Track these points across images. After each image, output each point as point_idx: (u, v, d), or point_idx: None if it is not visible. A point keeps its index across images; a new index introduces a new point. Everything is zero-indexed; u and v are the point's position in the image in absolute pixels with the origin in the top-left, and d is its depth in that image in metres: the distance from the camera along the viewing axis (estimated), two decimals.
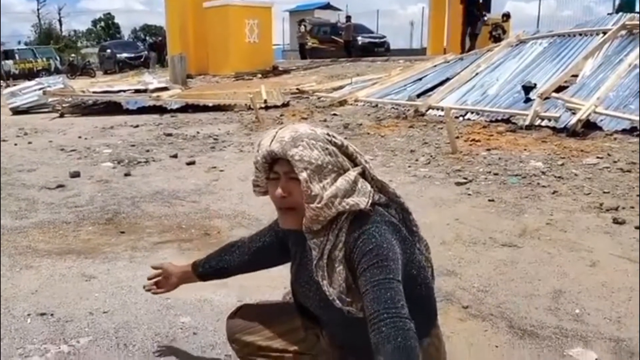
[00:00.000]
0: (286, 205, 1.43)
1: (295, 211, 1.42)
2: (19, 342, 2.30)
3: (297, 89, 11.56)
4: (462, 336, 2.38)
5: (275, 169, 1.44)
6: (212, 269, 1.92)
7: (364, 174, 1.45)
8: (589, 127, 6.60)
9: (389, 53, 22.26)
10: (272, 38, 18.76)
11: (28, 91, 10.79)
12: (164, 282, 2.00)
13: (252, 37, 16.75)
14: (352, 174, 1.41)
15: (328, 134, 1.42)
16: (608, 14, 9.49)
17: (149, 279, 2.02)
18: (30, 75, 21.57)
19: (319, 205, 1.36)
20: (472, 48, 13.03)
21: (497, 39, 14.64)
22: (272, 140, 1.42)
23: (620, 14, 9.10)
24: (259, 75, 15.16)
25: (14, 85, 12.90)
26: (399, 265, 1.33)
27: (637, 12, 9.18)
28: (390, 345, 1.22)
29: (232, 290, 2.76)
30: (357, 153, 1.46)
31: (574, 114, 6.72)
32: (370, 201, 1.41)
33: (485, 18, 14.82)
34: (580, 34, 8.89)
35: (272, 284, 2.67)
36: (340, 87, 11.67)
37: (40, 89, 10.63)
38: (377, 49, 22.77)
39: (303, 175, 1.36)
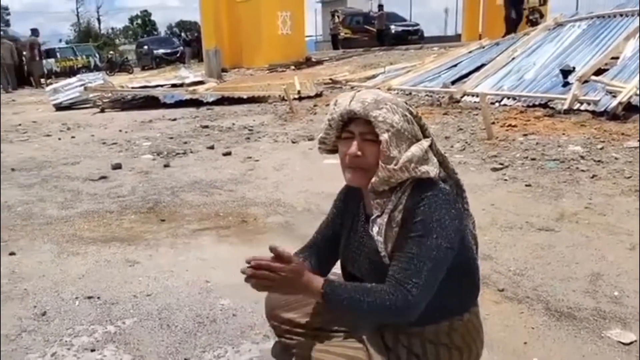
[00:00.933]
0: (358, 164, 1.48)
1: (363, 171, 1.48)
2: (68, 323, 2.43)
3: (330, 79, 11.57)
4: (497, 318, 2.39)
5: (349, 129, 1.49)
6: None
7: (431, 146, 1.51)
8: (630, 110, 6.38)
9: (423, 41, 21.96)
10: (304, 29, 18.78)
11: (70, 88, 11.15)
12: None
13: (284, 29, 16.83)
14: (425, 143, 1.48)
15: (406, 102, 1.50)
16: None
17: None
18: (71, 72, 22.17)
19: (396, 167, 1.42)
20: (512, 31, 12.74)
21: (534, 23, 14.27)
22: (352, 100, 1.48)
23: None
24: (292, 67, 15.23)
25: (57, 82, 13.31)
26: (442, 241, 1.39)
27: None
28: (381, 289, 1.38)
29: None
30: (427, 126, 1.53)
31: (614, 97, 6.52)
32: (438, 171, 1.48)
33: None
34: (621, 15, 8.58)
35: None
36: (374, 77, 11.62)
37: (81, 85, 10.96)
38: (411, 37, 22.50)
39: (385, 137, 1.42)
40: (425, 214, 1.39)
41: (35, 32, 19.25)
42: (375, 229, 1.48)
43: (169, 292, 2.73)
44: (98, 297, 2.67)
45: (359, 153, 1.47)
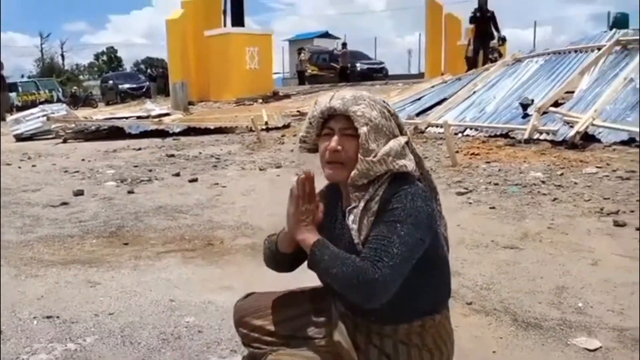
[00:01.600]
0: (337, 159, 1.51)
1: (342, 166, 1.51)
2: (25, 341, 2.32)
3: (298, 111, 11.69)
4: (466, 329, 2.39)
5: (329, 125, 1.53)
6: None
7: (408, 143, 1.55)
8: (587, 139, 6.65)
9: (388, 78, 22.54)
10: (272, 64, 19.06)
11: (32, 118, 10.93)
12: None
13: (252, 63, 17.01)
14: (402, 139, 1.52)
15: (384, 101, 1.54)
16: (603, 32, 9.64)
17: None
18: (33, 106, 21.77)
19: (374, 159, 1.45)
20: (475, 66, 13.21)
21: (493, 62, 14.83)
22: (332, 99, 1.53)
23: (614, 30, 9.26)
24: (260, 101, 15.34)
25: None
26: (414, 230, 1.40)
27: (630, 29, 9.32)
28: (356, 262, 1.37)
29: (236, 293, 2.77)
30: (403, 125, 1.57)
31: (571, 127, 6.78)
32: (414, 167, 1.52)
33: (501, 35, 14.94)
34: (576, 51, 9.02)
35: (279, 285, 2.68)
36: None
37: (43, 115, 10.76)
38: (376, 75, 23.11)
39: (363, 130, 1.46)
40: (401, 202, 1.41)
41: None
42: (350, 218, 1.49)
43: (132, 310, 2.64)
44: (57, 317, 2.56)
45: (339, 147, 1.50)
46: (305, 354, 1.64)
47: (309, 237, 1.47)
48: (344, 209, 1.61)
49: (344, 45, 24.05)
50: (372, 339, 1.61)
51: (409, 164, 1.50)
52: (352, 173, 1.48)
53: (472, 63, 14.62)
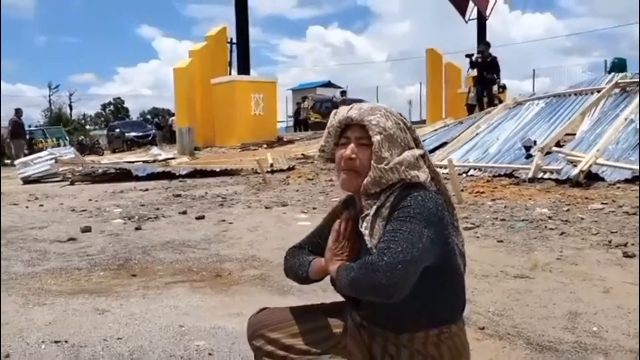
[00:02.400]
0: (351, 167, 1.55)
1: (357, 174, 1.54)
2: None
3: (302, 154, 11.79)
4: (480, 353, 2.35)
5: (346, 135, 1.58)
6: None
7: (424, 157, 1.58)
8: (591, 178, 6.69)
9: None
10: (276, 110, 19.33)
11: (40, 161, 11.05)
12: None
13: (257, 109, 17.28)
14: (417, 151, 1.56)
15: (400, 114, 1.59)
16: (602, 76, 9.86)
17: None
18: None
19: (386, 167, 1.49)
20: (480, 109, 13.34)
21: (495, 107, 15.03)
22: (350, 109, 1.58)
23: (613, 74, 9.46)
24: (265, 146, 15.50)
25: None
26: (425, 229, 1.41)
27: (629, 73, 9.53)
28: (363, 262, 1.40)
29: (247, 319, 2.75)
30: (420, 139, 1.61)
31: (575, 166, 6.83)
32: (428, 178, 1.55)
33: (501, 82, 15.13)
34: (576, 94, 9.19)
35: None
36: None
37: (51, 158, 10.89)
38: None
39: (377, 138, 1.50)
40: (411, 202, 1.44)
41: (19, 112, 19.19)
42: (364, 225, 1.51)
43: (141, 335, 2.62)
44: (66, 341, 2.54)
45: (354, 155, 1.54)
46: None
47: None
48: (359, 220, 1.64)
49: (343, 92, 24.75)
50: (388, 349, 1.59)
51: (422, 175, 1.53)
52: (365, 180, 1.52)
53: (473, 110, 14.85)
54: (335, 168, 1.63)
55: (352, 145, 1.55)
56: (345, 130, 1.59)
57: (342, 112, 1.60)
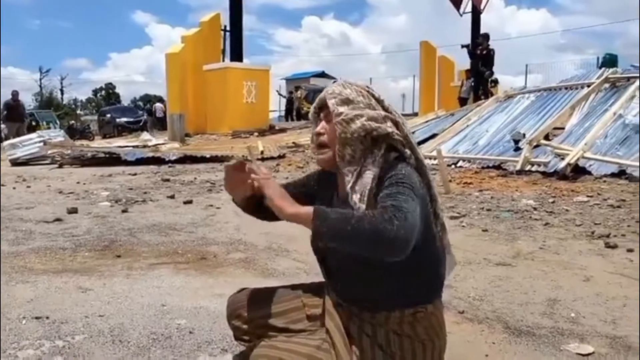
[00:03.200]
0: (321, 142, 1.58)
1: (328, 149, 1.56)
2: (12, 338, 2.29)
3: (294, 143, 11.79)
4: (459, 335, 2.38)
5: (320, 117, 1.61)
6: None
7: (397, 126, 1.55)
8: (578, 171, 6.75)
9: None
10: (269, 99, 19.26)
11: (29, 143, 10.96)
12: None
13: (249, 97, 17.22)
14: (383, 112, 1.55)
15: (369, 87, 1.60)
16: (592, 70, 9.91)
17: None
18: None
19: (345, 117, 1.50)
20: (475, 100, 13.35)
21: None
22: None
23: (603, 69, 9.52)
24: (256, 134, 15.45)
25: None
26: (416, 197, 1.40)
27: (619, 68, 9.58)
28: (367, 213, 1.34)
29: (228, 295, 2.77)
30: (394, 110, 1.59)
31: (562, 159, 6.89)
32: (397, 132, 1.53)
33: (493, 77, 15.15)
34: (566, 88, 9.24)
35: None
36: None
37: (40, 141, 10.80)
38: None
39: (332, 101, 1.53)
40: (401, 173, 1.44)
41: (14, 94, 18.38)
42: (351, 194, 1.48)
43: (123, 313, 2.62)
44: (47, 317, 2.53)
45: (322, 131, 1.57)
46: (298, 341, 1.63)
47: (299, 207, 1.39)
48: (341, 196, 1.64)
49: (335, 82, 24.51)
50: (365, 328, 1.61)
51: (389, 128, 1.52)
52: (336, 148, 1.52)
53: (465, 103, 14.88)
54: (312, 150, 1.67)
55: (322, 122, 1.59)
56: (320, 113, 1.62)
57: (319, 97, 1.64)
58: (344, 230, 1.29)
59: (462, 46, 14.87)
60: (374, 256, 1.31)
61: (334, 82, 1.78)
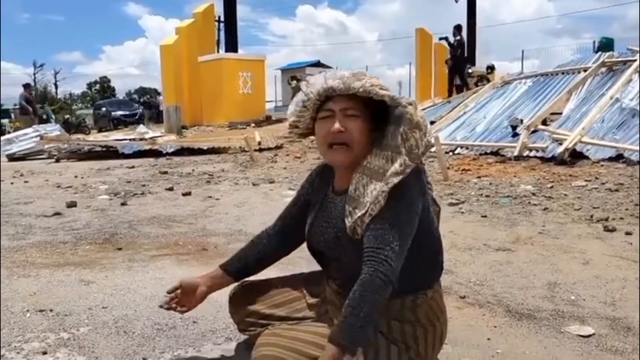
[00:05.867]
0: (341, 140, 1.47)
1: (347, 147, 1.47)
2: (17, 331, 2.30)
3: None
4: (460, 319, 2.40)
5: (327, 107, 1.49)
6: (247, 261, 1.88)
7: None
8: (575, 156, 6.77)
9: None
10: (265, 89, 19.23)
11: (25, 138, 10.92)
12: (186, 299, 1.86)
13: (245, 88, 17.18)
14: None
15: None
16: (589, 55, 9.90)
17: (168, 292, 1.89)
18: None
19: (423, 132, 1.46)
20: (449, 95, 13.66)
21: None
22: (327, 79, 1.47)
23: (600, 53, 9.50)
24: (253, 125, 15.43)
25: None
26: (408, 212, 1.43)
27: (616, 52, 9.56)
28: (362, 276, 1.37)
29: (229, 289, 2.78)
30: None
31: (560, 144, 6.90)
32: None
33: (470, 71, 15.41)
34: (563, 73, 9.24)
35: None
36: None
37: (37, 135, 10.76)
38: None
39: (388, 94, 1.44)
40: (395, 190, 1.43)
41: (26, 87, 17.75)
42: (354, 185, 1.49)
43: (126, 305, 2.63)
44: (50, 310, 2.54)
45: (343, 129, 1.46)
46: (302, 329, 1.65)
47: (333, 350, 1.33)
48: (336, 189, 1.63)
49: None
50: None
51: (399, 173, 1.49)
52: (369, 156, 1.47)
53: (461, 90, 14.95)
54: (318, 143, 1.54)
55: (338, 118, 1.47)
56: (325, 103, 1.49)
57: (318, 83, 1.49)
58: (360, 321, 1.32)
59: (440, 38, 15.13)
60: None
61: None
